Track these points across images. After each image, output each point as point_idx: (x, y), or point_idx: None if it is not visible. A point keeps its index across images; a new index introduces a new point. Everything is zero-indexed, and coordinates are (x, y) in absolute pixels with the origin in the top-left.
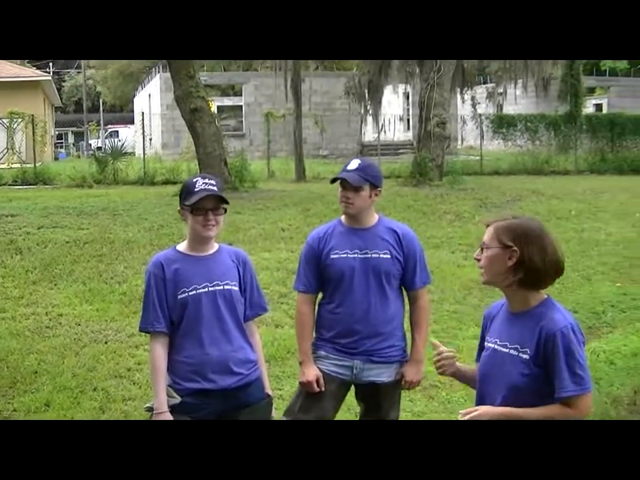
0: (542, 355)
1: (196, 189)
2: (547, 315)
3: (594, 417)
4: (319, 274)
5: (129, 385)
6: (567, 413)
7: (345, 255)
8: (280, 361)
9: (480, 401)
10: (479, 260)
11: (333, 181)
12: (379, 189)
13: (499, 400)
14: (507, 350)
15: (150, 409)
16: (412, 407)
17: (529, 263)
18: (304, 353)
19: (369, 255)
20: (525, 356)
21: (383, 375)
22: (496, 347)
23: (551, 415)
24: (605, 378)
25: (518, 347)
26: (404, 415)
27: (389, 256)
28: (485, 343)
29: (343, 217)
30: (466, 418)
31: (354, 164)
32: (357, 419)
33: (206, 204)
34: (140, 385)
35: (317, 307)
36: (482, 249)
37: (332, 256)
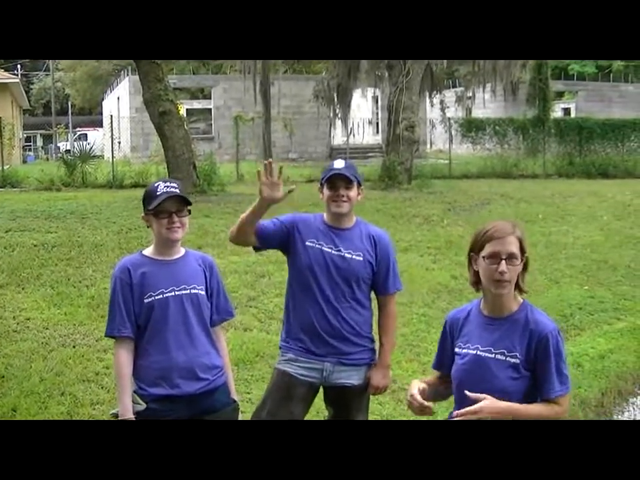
0: (532, 359)
1: (158, 193)
2: (532, 319)
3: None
4: (285, 236)
5: (97, 389)
6: (556, 411)
7: (320, 246)
8: (249, 364)
9: (460, 407)
10: (505, 272)
11: (329, 179)
12: (362, 187)
13: None
14: (492, 355)
15: (115, 415)
16: (380, 410)
17: (525, 266)
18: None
19: (342, 253)
20: (514, 360)
21: (352, 377)
22: (478, 352)
23: (545, 414)
24: (572, 380)
25: (504, 351)
26: (372, 418)
27: (361, 258)
28: (459, 350)
29: (325, 215)
30: (463, 418)
31: (341, 163)
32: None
33: (169, 206)
34: (108, 389)
35: (284, 305)
36: (506, 262)
37: (308, 243)
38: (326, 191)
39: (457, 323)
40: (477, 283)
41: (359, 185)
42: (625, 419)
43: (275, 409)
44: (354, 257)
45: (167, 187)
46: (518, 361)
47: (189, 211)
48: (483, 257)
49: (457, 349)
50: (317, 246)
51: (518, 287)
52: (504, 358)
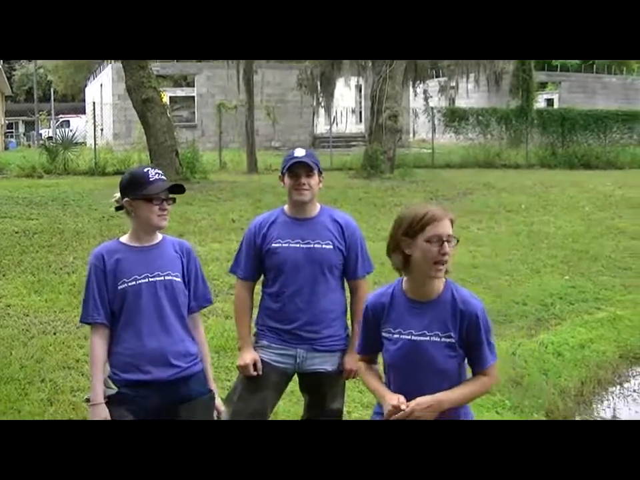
0: (465, 336)
1: (151, 179)
2: (459, 298)
3: (541, 407)
4: (259, 262)
5: (77, 376)
6: (485, 382)
7: (287, 244)
8: (230, 352)
9: (400, 392)
10: (447, 254)
11: (289, 167)
12: (322, 175)
13: (427, 387)
14: (428, 338)
15: (88, 400)
16: (361, 398)
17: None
18: (242, 337)
19: (312, 245)
20: (449, 340)
21: (326, 363)
22: (413, 337)
23: (473, 391)
24: (552, 369)
25: (438, 333)
26: (353, 406)
27: (331, 246)
28: (389, 335)
29: (286, 207)
30: (399, 417)
31: (301, 151)
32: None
33: (163, 193)
34: (88, 376)
35: (260, 295)
36: (448, 243)
37: (274, 244)
38: (287, 180)
39: (380, 308)
40: (404, 267)
41: (320, 173)
42: (604, 408)
43: (246, 395)
44: (323, 246)
45: (158, 174)
46: (453, 340)
47: (175, 200)
48: (425, 240)
49: (385, 334)
50: (283, 245)
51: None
52: (439, 339)
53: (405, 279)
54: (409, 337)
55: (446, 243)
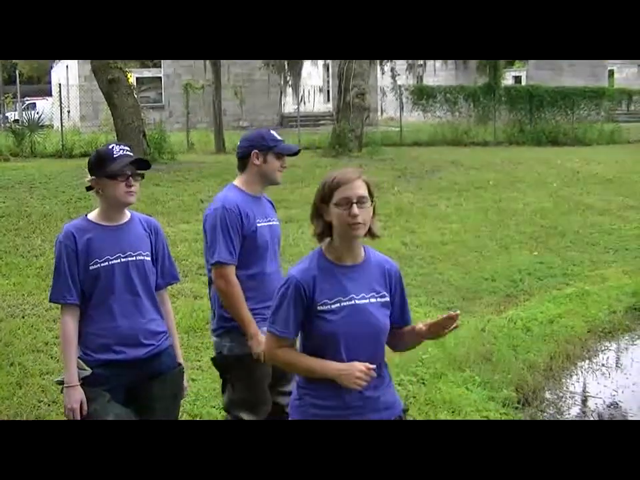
0: (394, 294)
1: (115, 156)
2: (380, 258)
3: (510, 382)
4: (240, 243)
5: (46, 359)
6: None
7: (265, 223)
8: (199, 332)
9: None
10: (357, 215)
11: (281, 150)
12: None
13: (374, 349)
14: (367, 300)
15: (60, 382)
16: None
17: (374, 211)
18: (251, 323)
19: (272, 222)
20: (384, 299)
21: None
22: (355, 302)
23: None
24: (521, 344)
25: (374, 294)
26: None
27: (277, 222)
28: (326, 307)
29: (240, 184)
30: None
31: (278, 135)
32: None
33: (127, 169)
34: (57, 359)
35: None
36: (357, 205)
37: (258, 224)
38: (273, 160)
39: (312, 283)
40: (323, 234)
41: None
42: (572, 382)
43: (258, 385)
44: (276, 222)
45: (122, 150)
46: (387, 298)
47: (143, 176)
48: (335, 204)
49: (322, 307)
50: (264, 224)
51: (371, 233)
52: (376, 300)
53: (325, 247)
54: (352, 303)
55: (355, 205)
